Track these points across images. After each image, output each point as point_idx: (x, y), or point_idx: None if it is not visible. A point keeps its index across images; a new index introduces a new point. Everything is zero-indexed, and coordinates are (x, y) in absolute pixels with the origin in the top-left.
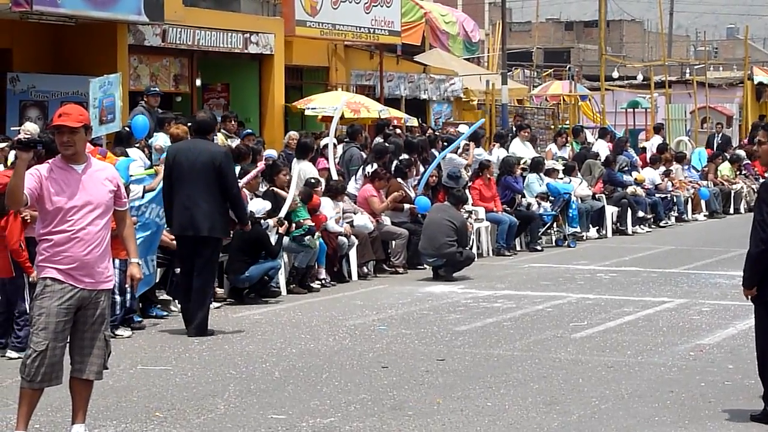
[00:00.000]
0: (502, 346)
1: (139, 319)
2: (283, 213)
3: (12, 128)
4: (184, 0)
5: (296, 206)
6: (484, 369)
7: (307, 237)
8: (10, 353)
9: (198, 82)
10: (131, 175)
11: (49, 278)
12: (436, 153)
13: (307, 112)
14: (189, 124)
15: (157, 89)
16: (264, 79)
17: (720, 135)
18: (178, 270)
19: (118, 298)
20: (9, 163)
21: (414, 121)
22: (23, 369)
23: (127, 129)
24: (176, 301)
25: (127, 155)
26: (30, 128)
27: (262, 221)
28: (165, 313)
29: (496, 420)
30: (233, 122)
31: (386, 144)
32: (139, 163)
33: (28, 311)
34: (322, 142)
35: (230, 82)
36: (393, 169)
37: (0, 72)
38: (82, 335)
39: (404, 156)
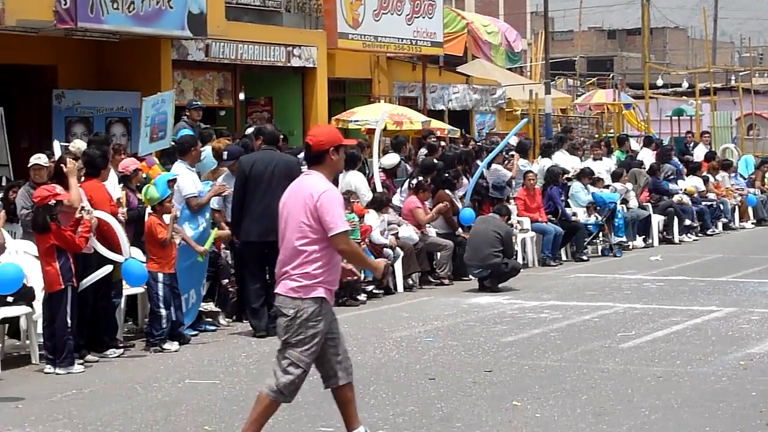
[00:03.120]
0: (549, 356)
1: (194, 332)
2: None
3: (61, 144)
4: (227, 14)
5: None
6: (532, 380)
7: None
8: (58, 370)
9: (241, 96)
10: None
11: (325, 299)
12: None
13: (350, 125)
14: (251, 133)
15: (199, 103)
16: (307, 92)
17: None
18: (224, 281)
19: (163, 312)
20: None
21: (457, 133)
22: (288, 388)
23: (173, 143)
24: (223, 313)
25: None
26: (79, 145)
27: None
28: (213, 328)
29: (545, 431)
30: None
31: (435, 161)
32: (190, 178)
33: (69, 325)
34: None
35: (273, 95)
36: (441, 180)
37: (46, 89)
38: (337, 345)
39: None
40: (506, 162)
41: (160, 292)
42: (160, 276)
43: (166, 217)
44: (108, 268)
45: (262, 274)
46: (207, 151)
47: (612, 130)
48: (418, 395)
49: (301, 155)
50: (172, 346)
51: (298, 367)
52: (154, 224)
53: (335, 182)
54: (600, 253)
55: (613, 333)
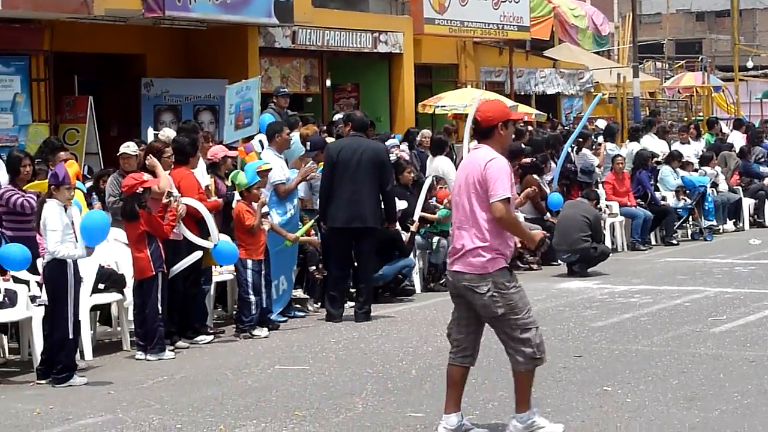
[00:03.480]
0: (639, 341)
1: (283, 318)
2: (417, 215)
3: (154, 132)
4: (313, 1)
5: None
6: (622, 365)
7: (436, 238)
8: (149, 357)
9: (328, 83)
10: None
11: (508, 268)
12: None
13: (437, 110)
14: (338, 120)
15: (286, 90)
16: (393, 78)
17: None
18: (312, 268)
19: (253, 298)
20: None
21: (543, 117)
22: (536, 349)
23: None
24: (312, 299)
25: None
26: (168, 133)
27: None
28: (302, 314)
29: (635, 416)
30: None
31: (522, 146)
32: (278, 164)
33: (160, 312)
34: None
35: (360, 81)
36: (530, 164)
37: (134, 77)
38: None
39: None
40: (594, 147)
41: (249, 279)
42: (249, 263)
43: (256, 204)
44: (197, 255)
45: (345, 261)
46: (295, 137)
47: (701, 114)
48: (507, 380)
49: (391, 141)
50: (262, 332)
51: (529, 330)
52: (242, 211)
53: (422, 168)
54: (690, 237)
55: (704, 317)
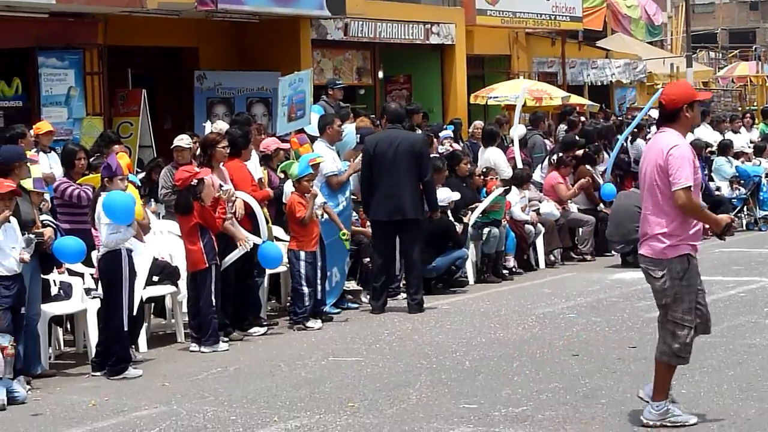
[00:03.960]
0: None
1: (336, 310)
2: (479, 210)
3: (203, 125)
4: None
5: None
6: None
7: (487, 228)
8: (204, 349)
9: (380, 75)
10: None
11: (690, 254)
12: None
13: (489, 102)
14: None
15: (341, 83)
16: (446, 70)
17: None
18: (366, 260)
19: (305, 290)
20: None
21: (596, 108)
22: (682, 348)
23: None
24: (365, 291)
25: None
26: (221, 126)
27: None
28: (356, 305)
29: (691, 407)
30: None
31: (576, 138)
32: (330, 156)
33: (214, 304)
34: (512, 133)
35: (412, 73)
36: (583, 155)
37: (187, 70)
38: (703, 298)
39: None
40: (648, 137)
41: (302, 270)
42: (302, 254)
43: (308, 196)
44: (252, 242)
45: (388, 253)
46: (349, 129)
47: (755, 103)
48: (561, 372)
49: (445, 133)
50: (315, 324)
51: (683, 328)
52: (294, 202)
53: (474, 159)
54: (744, 228)
55: (759, 308)
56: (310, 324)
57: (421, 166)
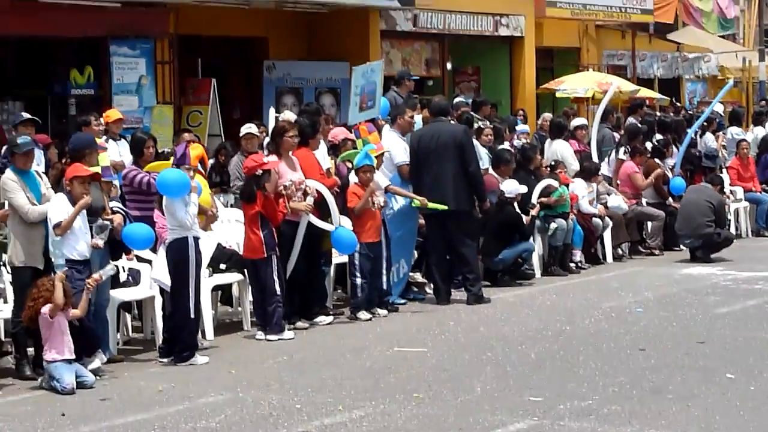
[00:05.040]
0: (764, 328)
1: (402, 301)
2: (535, 197)
3: (274, 115)
4: None
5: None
6: (746, 352)
7: (553, 223)
8: (269, 336)
9: (449, 66)
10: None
11: None
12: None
13: (558, 94)
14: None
15: (414, 75)
16: (515, 62)
17: None
18: None
19: (358, 281)
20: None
21: (666, 101)
22: None
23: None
24: (431, 283)
25: None
26: (289, 116)
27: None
28: (422, 296)
29: (760, 405)
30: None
31: (639, 125)
32: (401, 146)
33: (278, 293)
34: (574, 123)
35: (481, 65)
36: (651, 149)
37: (256, 60)
38: None
39: (659, 136)
40: (717, 134)
41: (356, 261)
42: (357, 245)
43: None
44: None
45: (441, 246)
46: (418, 120)
47: None
48: (628, 366)
49: (521, 128)
50: (364, 315)
51: None
52: (349, 193)
53: (541, 151)
54: None
55: None
56: (360, 315)
57: (464, 158)
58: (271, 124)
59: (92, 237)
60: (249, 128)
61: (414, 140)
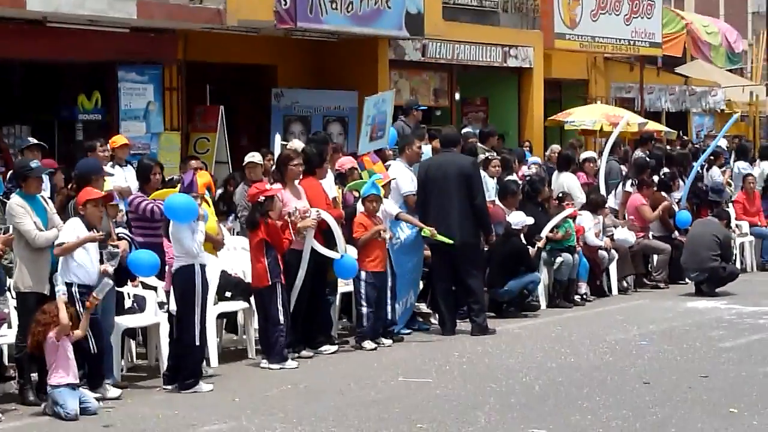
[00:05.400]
0: None
1: (407, 331)
2: (545, 231)
3: (281, 142)
4: (444, 14)
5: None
6: (750, 387)
7: (558, 258)
8: (272, 366)
9: (457, 96)
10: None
11: None
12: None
13: (566, 126)
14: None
15: (422, 105)
16: (523, 93)
17: None
18: None
19: (364, 310)
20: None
21: (674, 135)
22: None
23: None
24: (436, 313)
25: None
26: (297, 145)
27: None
28: (427, 327)
29: None
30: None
31: (647, 158)
32: (408, 176)
33: (281, 321)
34: (582, 156)
35: (489, 95)
36: (657, 182)
37: (265, 88)
38: None
39: (666, 170)
40: (724, 168)
41: (362, 290)
42: (363, 274)
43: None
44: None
45: (447, 276)
46: (426, 150)
47: None
48: (632, 399)
49: (533, 159)
50: (369, 345)
51: None
52: (356, 223)
53: (549, 183)
54: None
55: None
56: (365, 344)
57: (471, 189)
58: (277, 151)
59: (102, 263)
60: (252, 157)
61: (422, 170)
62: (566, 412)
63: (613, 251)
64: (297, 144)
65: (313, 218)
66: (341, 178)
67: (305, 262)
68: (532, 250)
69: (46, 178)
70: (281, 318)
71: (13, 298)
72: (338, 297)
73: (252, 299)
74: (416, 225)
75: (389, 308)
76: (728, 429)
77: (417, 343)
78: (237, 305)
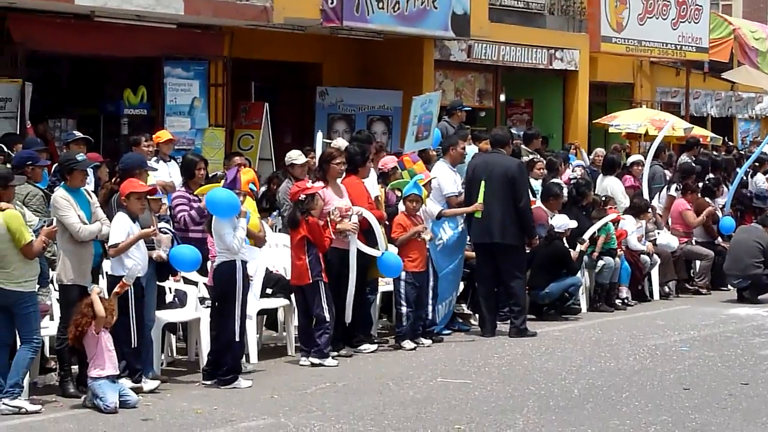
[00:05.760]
0: None
1: (447, 331)
2: (588, 234)
3: (324, 140)
4: (490, 16)
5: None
6: None
7: (600, 261)
8: (312, 360)
9: (502, 98)
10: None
11: None
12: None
13: (610, 129)
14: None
15: (466, 106)
16: (568, 96)
17: None
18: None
19: (404, 309)
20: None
21: (719, 140)
22: None
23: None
24: (476, 314)
25: None
26: (340, 143)
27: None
28: (467, 327)
29: None
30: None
31: (693, 164)
32: (451, 177)
33: (327, 319)
34: (630, 159)
35: (534, 97)
36: (701, 187)
37: (310, 86)
38: None
39: (710, 175)
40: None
41: (402, 290)
42: (403, 274)
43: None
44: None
45: (488, 278)
46: (469, 151)
47: None
48: (671, 405)
49: (577, 162)
50: (408, 345)
51: None
52: (395, 223)
53: (594, 186)
54: None
55: None
56: (405, 344)
57: (515, 192)
58: (319, 149)
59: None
60: (291, 158)
61: (470, 169)
62: (605, 416)
63: (655, 256)
64: (340, 142)
65: (353, 222)
66: (384, 177)
67: (354, 264)
68: (574, 254)
69: (90, 171)
70: (327, 316)
71: (55, 290)
72: (378, 296)
73: (293, 296)
74: (461, 213)
75: (429, 308)
76: None
77: (456, 343)
78: (277, 302)
